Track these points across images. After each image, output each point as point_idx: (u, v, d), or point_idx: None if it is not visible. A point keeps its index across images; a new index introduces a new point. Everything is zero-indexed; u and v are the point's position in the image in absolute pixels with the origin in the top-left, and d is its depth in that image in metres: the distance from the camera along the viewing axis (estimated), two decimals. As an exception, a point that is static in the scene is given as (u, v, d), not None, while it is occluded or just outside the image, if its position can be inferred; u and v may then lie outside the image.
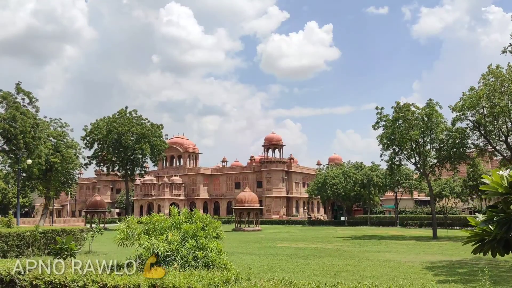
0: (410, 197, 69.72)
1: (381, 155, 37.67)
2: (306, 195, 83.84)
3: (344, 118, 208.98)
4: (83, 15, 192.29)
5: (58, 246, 8.13)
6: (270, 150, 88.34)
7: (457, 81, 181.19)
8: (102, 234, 23.11)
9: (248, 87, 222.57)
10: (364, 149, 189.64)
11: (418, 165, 37.13)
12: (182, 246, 5.41)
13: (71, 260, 8.16)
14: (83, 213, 67.40)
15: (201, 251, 5.33)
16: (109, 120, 54.86)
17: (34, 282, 5.16)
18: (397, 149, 37.49)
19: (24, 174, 44.24)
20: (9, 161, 39.23)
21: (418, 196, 73.58)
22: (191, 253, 5.30)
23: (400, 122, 36.35)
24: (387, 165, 39.11)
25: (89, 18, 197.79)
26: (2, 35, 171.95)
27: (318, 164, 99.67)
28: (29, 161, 31.88)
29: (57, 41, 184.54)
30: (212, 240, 5.62)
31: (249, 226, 50.67)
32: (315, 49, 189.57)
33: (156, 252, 5.21)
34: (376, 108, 38.02)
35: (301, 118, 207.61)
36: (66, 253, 8.17)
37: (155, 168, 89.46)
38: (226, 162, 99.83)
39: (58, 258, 8.24)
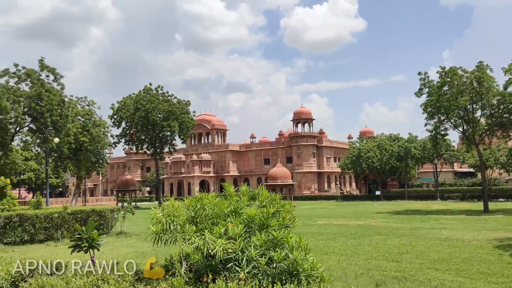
0: (450, 169, 66.46)
1: (425, 125, 34.99)
2: (338, 170, 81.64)
3: (371, 91, 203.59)
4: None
5: (77, 235, 6.43)
6: (299, 125, 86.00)
7: (491, 49, 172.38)
8: (133, 214, 21.86)
9: (272, 62, 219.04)
10: (392, 121, 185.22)
11: (467, 134, 34.27)
12: (248, 243, 3.58)
13: (93, 253, 6.47)
14: (115, 192, 67.54)
15: (278, 250, 3.49)
16: (135, 97, 53.65)
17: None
18: (442, 118, 34.63)
19: (55, 154, 43.83)
20: (37, 140, 38.60)
21: (461, 167, 70.14)
22: (262, 254, 3.47)
23: (446, 88, 33.44)
24: (430, 135, 36.36)
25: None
26: (29, 18, 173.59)
27: (349, 137, 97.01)
28: (56, 140, 30.85)
29: (82, 23, 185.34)
30: (288, 232, 3.79)
31: (282, 202, 49.13)
32: (339, 20, 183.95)
33: (211, 253, 3.40)
34: (419, 73, 35.15)
35: (327, 92, 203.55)
36: (87, 244, 6.45)
37: (184, 146, 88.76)
38: (255, 138, 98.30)
39: (77, 251, 6.54)
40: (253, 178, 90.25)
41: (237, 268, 3.41)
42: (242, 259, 3.43)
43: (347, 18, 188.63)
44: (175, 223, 3.71)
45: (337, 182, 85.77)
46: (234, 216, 3.84)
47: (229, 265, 3.42)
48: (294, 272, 3.34)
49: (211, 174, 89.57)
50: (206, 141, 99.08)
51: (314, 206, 47.60)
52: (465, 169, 67.84)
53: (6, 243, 17.39)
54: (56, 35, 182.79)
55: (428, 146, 56.51)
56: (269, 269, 3.39)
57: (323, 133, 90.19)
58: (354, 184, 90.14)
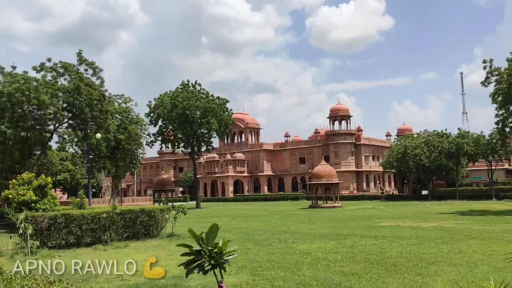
0: (501, 167, 62.11)
1: (496, 115, 31.64)
2: (377, 169, 78.35)
3: (401, 90, 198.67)
4: (135, 0, 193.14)
5: (194, 248, 4.10)
6: (336, 122, 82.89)
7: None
8: (185, 214, 19.75)
9: (299, 62, 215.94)
10: (422, 120, 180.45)
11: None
12: None
13: (221, 276, 4.14)
14: (151, 192, 66.29)
15: None
16: (172, 94, 51.98)
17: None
18: (512, 108, 31.29)
19: (92, 154, 42.44)
20: (75, 139, 37.13)
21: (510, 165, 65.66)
22: None
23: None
24: (496, 127, 33.09)
25: (141, 3, 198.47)
26: (61, 24, 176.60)
27: (388, 135, 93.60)
28: (99, 135, 29.07)
29: (112, 28, 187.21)
30: None
31: (326, 202, 46.45)
32: (367, 19, 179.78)
33: None
34: (484, 62, 32.04)
35: (355, 91, 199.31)
36: (211, 262, 4.14)
37: (217, 145, 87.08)
38: (289, 136, 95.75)
39: (195, 272, 4.22)
40: (288, 177, 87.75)
41: None
42: None
43: (375, 16, 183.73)
44: None
45: (378, 182, 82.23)
46: None
47: None
48: None
49: (245, 174, 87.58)
50: (239, 140, 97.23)
51: (362, 206, 44.67)
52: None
53: (51, 247, 15.55)
54: (87, 40, 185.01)
55: (481, 142, 52.85)
56: None
57: (361, 130, 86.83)
58: (393, 184, 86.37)
